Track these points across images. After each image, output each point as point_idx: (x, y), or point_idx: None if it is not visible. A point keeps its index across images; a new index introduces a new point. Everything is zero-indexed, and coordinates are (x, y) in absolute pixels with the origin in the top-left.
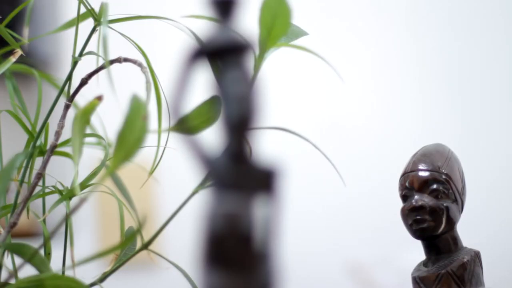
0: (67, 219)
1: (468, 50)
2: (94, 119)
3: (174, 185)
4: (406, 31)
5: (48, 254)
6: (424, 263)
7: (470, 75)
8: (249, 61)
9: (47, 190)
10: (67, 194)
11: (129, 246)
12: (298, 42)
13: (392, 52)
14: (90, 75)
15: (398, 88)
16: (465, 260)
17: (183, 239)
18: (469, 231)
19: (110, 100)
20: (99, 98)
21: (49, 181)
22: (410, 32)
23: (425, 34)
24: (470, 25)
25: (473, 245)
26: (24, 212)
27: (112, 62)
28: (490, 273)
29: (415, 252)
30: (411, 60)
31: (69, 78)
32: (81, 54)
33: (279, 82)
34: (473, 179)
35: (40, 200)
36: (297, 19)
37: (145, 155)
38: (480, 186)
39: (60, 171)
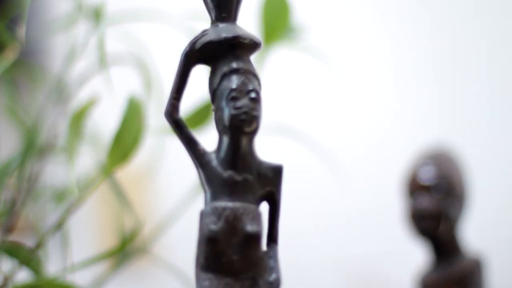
0: (64, 221)
1: (479, 51)
2: (91, 119)
3: (173, 187)
4: (415, 36)
5: (44, 257)
6: (426, 267)
7: (478, 76)
8: (249, 59)
9: (43, 192)
10: (64, 196)
11: (127, 249)
12: (299, 40)
13: (395, 52)
14: (88, 75)
15: (397, 89)
16: (466, 264)
17: (183, 242)
18: (475, 234)
19: (108, 100)
20: (96, 98)
21: (46, 182)
22: (418, 35)
23: (437, 39)
24: (477, 24)
25: (480, 248)
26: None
27: (110, 61)
28: (497, 277)
29: (415, 254)
30: (414, 62)
31: (66, 77)
32: (79, 53)
33: (278, 81)
34: (478, 181)
35: (36, 202)
36: (299, 17)
37: (143, 155)
38: (486, 188)
39: (57, 172)
